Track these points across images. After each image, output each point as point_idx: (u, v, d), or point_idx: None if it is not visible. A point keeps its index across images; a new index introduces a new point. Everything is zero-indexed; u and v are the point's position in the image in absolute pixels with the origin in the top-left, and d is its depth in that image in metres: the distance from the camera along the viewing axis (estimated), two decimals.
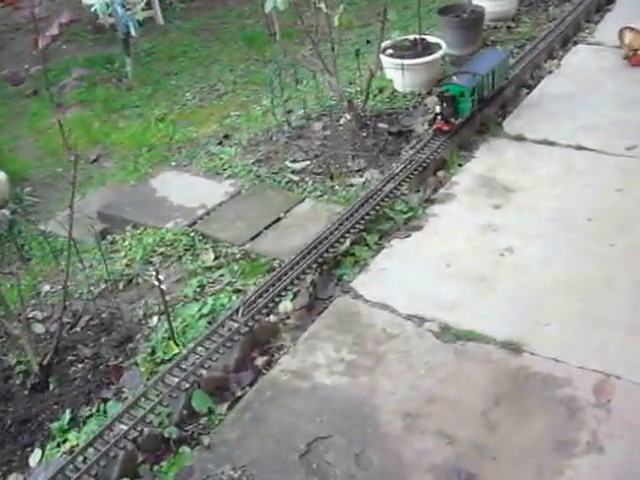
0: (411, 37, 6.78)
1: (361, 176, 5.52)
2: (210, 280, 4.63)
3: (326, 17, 5.70)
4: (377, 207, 4.97)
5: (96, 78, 7.74)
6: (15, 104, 7.56)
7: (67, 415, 3.75)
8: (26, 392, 3.96)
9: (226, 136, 6.43)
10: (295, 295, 4.36)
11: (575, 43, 7.41)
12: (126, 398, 3.82)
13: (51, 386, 3.97)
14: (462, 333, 4.05)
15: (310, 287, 4.41)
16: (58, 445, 3.63)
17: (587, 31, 7.65)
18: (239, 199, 5.42)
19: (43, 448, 3.64)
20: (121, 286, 4.71)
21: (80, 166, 4.91)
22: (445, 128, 5.62)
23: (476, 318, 4.14)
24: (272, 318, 4.25)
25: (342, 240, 4.71)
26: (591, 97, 6.35)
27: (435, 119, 5.65)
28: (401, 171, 5.28)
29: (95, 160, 6.43)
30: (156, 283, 3.97)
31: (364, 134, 5.96)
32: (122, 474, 3.42)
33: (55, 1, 8.49)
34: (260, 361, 4.04)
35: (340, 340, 4.10)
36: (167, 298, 4.11)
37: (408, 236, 4.88)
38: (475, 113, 5.84)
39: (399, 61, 6.41)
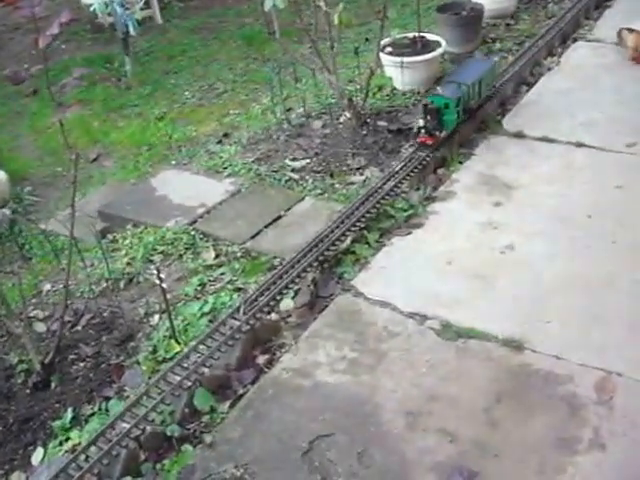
0: (410, 35, 6.77)
1: (361, 174, 5.52)
2: (211, 278, 4.63)
3: (325, 15, 5.70)
4: (377, 205, 4.97)
5: (95, 77, 7.73)
6: (15, 103, 7.56)
7: (69, 414, 3.76)
8: (28, 391, 3.96)
9: (226, 135, 6.43)
10: (296, 293, 4.36)
11: (574, 40, 7.40)
12: (128, 396, 3.82)
13: (53, 385, 3.97)
14: (463, 331, 4.06)
15: (311, 285, 4.41)
16: (60, 444, 3.64)
17: (586, 28, 7.64)
18: (239, 197, 5.42)
19: (45, 447, 3.64)
20: (122, 285, 4.71)
21: (80, 165, 4.90)
22: (429, 142, 5.43)
23: (477, 316, 4.15)
24: (273, 316, 4.25)
25: (343, 238, 4.71)
26: (591, 94, 6.35)
27: (418, 132, 5.45)
28: (401, 169, 5.28)
29: (95, 159, 6.43)
30: (157, 282, 3.97)
31: (364, 132, 5.97)
32: (124, 472, 3.43)
33: (54, 1, 8.48)
34: (262, 359, 4.05)
35: (341, 338, 4.10)
36: (168, 297, 4.11)
37: (409, 234, 4.88)
38: (460, 125, 5.65)
39: (398, 59, 6.41)
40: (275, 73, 6.49)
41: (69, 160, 3.88)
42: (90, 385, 3.95)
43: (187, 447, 3.56)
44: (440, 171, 5.51)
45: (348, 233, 4.75)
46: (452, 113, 5.47)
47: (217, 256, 4.82)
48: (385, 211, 5.00)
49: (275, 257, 4.71)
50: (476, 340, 3.99)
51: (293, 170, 5.66)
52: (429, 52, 6.59)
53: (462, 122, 5.69)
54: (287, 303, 4.31)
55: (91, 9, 7.82)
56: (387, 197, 5.06)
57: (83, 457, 3.40)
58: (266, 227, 5.04)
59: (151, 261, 4.84)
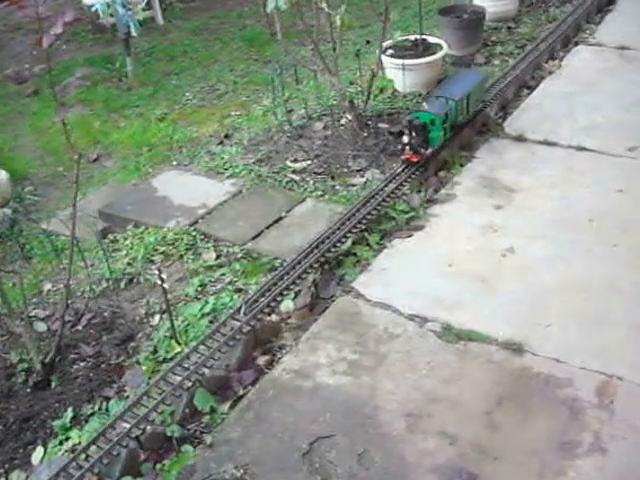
0: (412, 37, 6.78)
1: (362, 176, 5.52)
2: (212, 279, 4.63)
3: (327, 17, 5.71)
4: (378, 207, 4.97)
5: (97, 78, 7.73)
6: (16, 103, 7.56)
7: (69, 413, 3.76)
8: (28, 390, 3.97)
9: (227, 136, 6.43)
10: (297, 295, 4.37)
11: (576, 44, 7.43)
12: (128, 396, 3.83)
13: (53, 384, 3.97)
14: (464, 333, 4.06)
15: (312, 287, 4.42)
16: (60, 443, 3.64)
17: (588, 32, 7.67)
18: (240, 198, 5.42)
19: (45, 446, 3.64)
20: (123, 285, 4.71)
21: (81, 165, 4.88)
22: (414, 159, 5.23)
23: (478, 318, 4.15)
24: (274, 317, 4.26)
25: (343, 240, 4.71)
26: (592, 98, 6.36)
27: (403, 150, 5.26)
28: (402, 171, 5.28)
29: (96, 159, 6.43)
30: (158, 282, 3.97)
31: (365, 134, 5.97)
32: (124, 472, 3.42)
33: (56, 1, 8.49)
34: (262, 360, 4.05)
35: (342, 340, 4.10)
36: (169, 297, 4.10)
37: (409, 236, 4.89)
38: (447, 141, 5.46)
39: (400, 61, 6.42)
40: (276, 74, 6.50)
41: (70, 160, 3.88)
42: (90, 385, 3.95)
43: (187, 447, 3.57)
44: (441, 173, 5.51)
45: (349, 235, 4.75)
46: (438, 130, 5.26)
47: (218, 257, 4.82)
48: (386, 213, 5.00)
49: (276, 258, 4.71)
50: (476, 343, 3.99)
51: (294, 171, 5.66)
52: (431, 55, 6.61)
53: (449, 139, 5.48)
54: (288, 304, 4.31)
55: (93, 10, 7.83)
56: (388, 199, 5.06)
57: (83, 456, 3.40)
58: (267, 228, 5.04)
59: (152, 261, 4.84)
